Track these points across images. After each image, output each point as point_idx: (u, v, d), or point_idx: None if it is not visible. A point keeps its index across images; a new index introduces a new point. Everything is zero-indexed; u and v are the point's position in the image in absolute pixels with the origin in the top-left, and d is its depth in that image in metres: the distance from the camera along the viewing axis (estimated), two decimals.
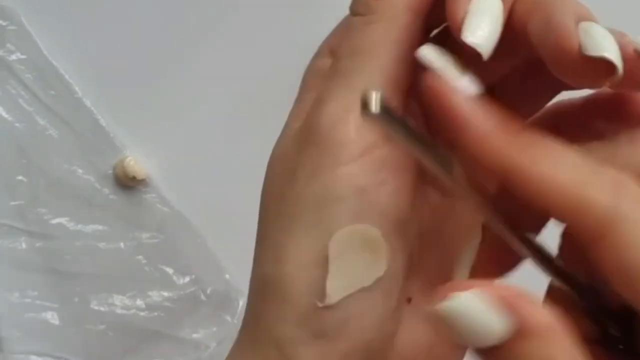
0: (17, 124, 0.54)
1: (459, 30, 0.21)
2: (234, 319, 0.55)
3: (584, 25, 0.20)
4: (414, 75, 0.23)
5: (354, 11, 0.24)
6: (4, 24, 0.54)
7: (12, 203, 0.54)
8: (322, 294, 0.22)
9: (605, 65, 0.20)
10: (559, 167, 0.19)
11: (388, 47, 0.23)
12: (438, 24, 0.24)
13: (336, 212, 0.22)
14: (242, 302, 0.55)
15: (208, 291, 0.55)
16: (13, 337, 0.53)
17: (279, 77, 0.58)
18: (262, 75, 0.55)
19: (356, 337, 0.23)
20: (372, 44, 0.23)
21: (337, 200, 0.22)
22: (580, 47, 0.20)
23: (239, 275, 0.56)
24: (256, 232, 0.25)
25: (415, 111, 0.25)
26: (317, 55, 0.26)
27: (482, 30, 0.21)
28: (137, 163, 0.55)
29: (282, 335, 0.23)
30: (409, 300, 0.25)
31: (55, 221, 0.54)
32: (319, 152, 0.23)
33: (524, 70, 0.24)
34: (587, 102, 0.23)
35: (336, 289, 0.22)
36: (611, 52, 0.20)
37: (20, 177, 0.54)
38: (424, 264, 0.25)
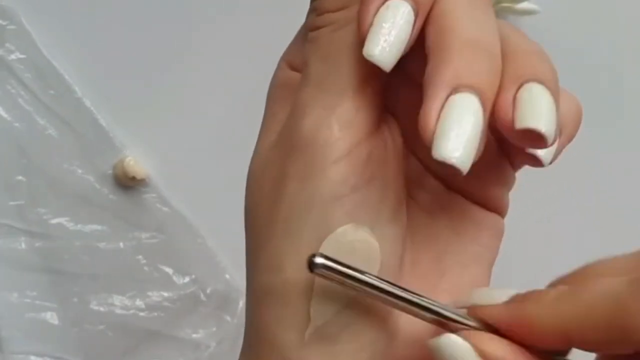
0: (16, 124, 0.54)
1: (363, 37, 0.22)
2: (234, 319, 0.55)
3: (450, 103, 0.21)
4: (385, 76, 0.24)
5: (314, 25, 0.24)
6: (4, 23, 0.54)
7: (12, 203, 0.54)
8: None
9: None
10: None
11: (358, 49, 0.23)
12: None
13: (331, 212, 0.22)
14: (242, 302, 0.55)
15: (208, 291, 0.55)
16: (12, 337, 0.53)
17: None
18: (262, 76, 0.55)
19: (360, 338, 0.23)
20: (341, 48, 0.23)
21: (331, 200, 0.22)
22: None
23: (239, 275, 0.56)
24: (246, 245, 0.25)
25: (395, 109, 0.25)
26: (278, 69, 0.26)
27: (380, 44, 0.22)
28: (137, 163, 0.54)
29: (286, 340, 0.22)
30: None
31: (54, 221, 0.54)
32: (307, 156, 0.23)
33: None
34: None
35: (322, 311, 0.22)
36: (455, 153, 0.20)
37: (19, 177, 0.54)
38: (419, 262, 0.25)
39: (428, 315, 0.22)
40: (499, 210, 0.27)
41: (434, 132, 0.20)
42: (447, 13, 0.22)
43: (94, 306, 0.54)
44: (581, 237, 0.55)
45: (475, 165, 0.22)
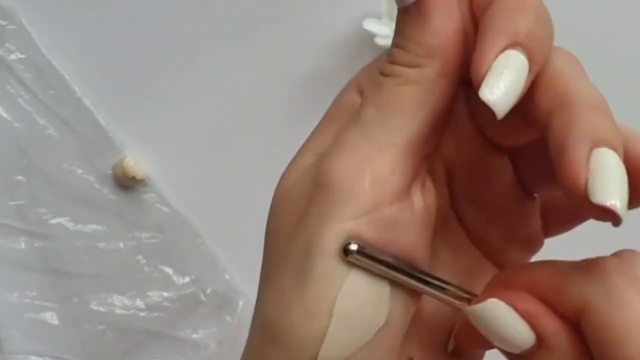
0: (16, 124, 0.54)
1: (479, 86, 0.21)
2: (234, 319, 0.55)
3: (597, 155, 0.20)
4: (437, 140, 0.24)
5: (385, 72, 0.24)
6: (4, 23, 0.54)
7: (12, 203, 0.54)
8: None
9: (608, 212, 0.20)
10: None
11: (414, 110, 0.23)
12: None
13: (340, 268, 0.22)
14: (242, 302, 0.55)
15: (208, 291, 0.55)
16: (12, 337, 0.53)
17: (279, 79, 0.58)
18: (263, 76, 0.55)
19: None
20: (400, 105, 0.23)
21: (342, 255, 0.22)
22: (586, 186, 0.20)
23: (239, 275, 0.56)
24: (261, 267, 0.24)
25: (438, 175, 0.25)
26: (346, 89, 0.25)
27: (499, 89, 0.21)
28: (137, 163, 0.54)
29: None
30: (410, 359, 0.25)
31: (54, 221, 0.54)
32: (331, 202, 0.22)
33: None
34: None
35: (332, 353, 0.22)
36: (615, 198, 0.20)
37: (19, 177, 0.54)
38: (429, 322, 0.25)
39: (457, 301, 0.23)
40: None
41: (585, 184, 0.20)
42: (563, 78, 0.22)
43: (94, 306, 0.54)
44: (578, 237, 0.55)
45: (512, 229, 0.24)
